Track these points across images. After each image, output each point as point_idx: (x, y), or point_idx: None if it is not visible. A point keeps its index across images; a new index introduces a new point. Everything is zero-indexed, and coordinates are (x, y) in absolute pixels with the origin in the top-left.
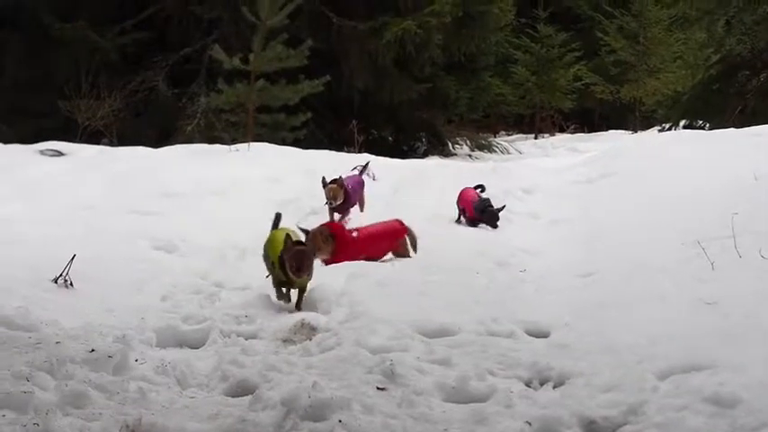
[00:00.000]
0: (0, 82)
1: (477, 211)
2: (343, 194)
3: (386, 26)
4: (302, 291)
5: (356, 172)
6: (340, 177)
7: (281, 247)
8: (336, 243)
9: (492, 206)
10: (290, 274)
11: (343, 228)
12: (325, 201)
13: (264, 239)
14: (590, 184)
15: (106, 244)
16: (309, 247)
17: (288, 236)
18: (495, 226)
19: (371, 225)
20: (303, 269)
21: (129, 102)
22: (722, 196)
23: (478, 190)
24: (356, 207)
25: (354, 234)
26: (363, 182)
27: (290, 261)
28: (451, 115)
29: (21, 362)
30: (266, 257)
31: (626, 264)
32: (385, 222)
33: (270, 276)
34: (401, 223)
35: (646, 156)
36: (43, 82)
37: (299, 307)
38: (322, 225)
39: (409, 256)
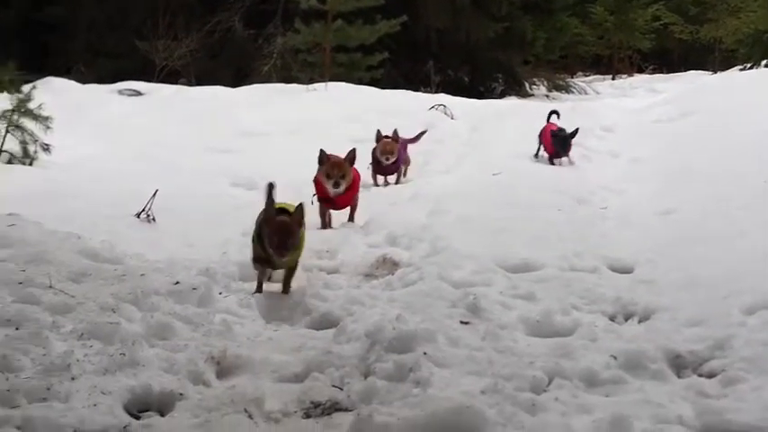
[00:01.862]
0: (78, 23)
1: (553, 141)
2: (398, 153)
3: None
4: (291, 270)
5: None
6: (395, 132)
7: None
8: (354, 177)
9: (564, 132)
10: (271, 252)
11: None
12: (380, 155)
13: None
14: (670, 123)
15: (186, 181)
16: (294, 218)
17: (270, 201)
18: (566, 152)
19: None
20: (287, 247)
21: (206, 42)
22: None
23: (553, 116)
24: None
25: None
26: (407, 146)
27: (270, 236)
28: (528, 56)
29: (107, 293)
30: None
31: (707, 201)
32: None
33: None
34: None
35: (727, 95)
36: (121, 22)
37: (286, 290)
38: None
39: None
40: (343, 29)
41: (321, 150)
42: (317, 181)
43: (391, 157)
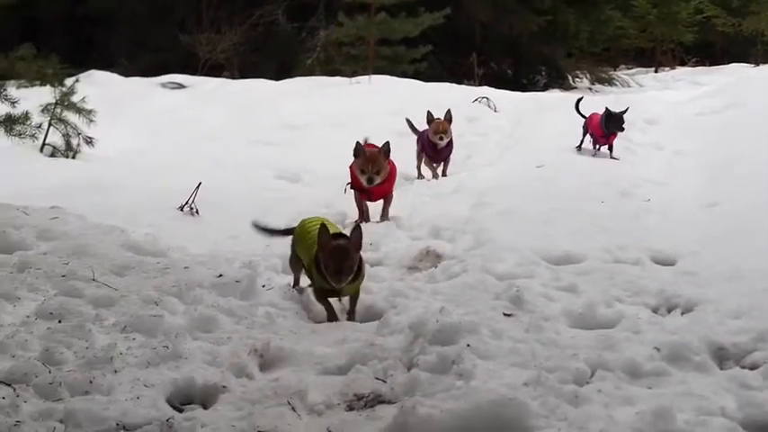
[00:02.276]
0: (121, 16)
1: (602, 123)
2: (450, 135)
3: None
4: (354, 297)
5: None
6: (448, 112)
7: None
8: (391, 167)
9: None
10: (329, 278)
11: None
12: (433, 136)
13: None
14: (714, 115)
15: (230, 173)
16: (352, 240)
17: (323, 226)
18: (620, 129)
19: None
20: (344, 271)
21: (250, 35)
22: None
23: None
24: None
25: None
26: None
27: (326, 261)
28: (571, 49)
29: (150, 286)
30: (294, 257)
31: (752, 193)
32: None
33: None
34: None
35: None
36: (164, 16)
37: (351, 317)
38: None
39: None
40: (386, 22)
41: (357, 143)
42: (352, 170)
43: (445, 136)
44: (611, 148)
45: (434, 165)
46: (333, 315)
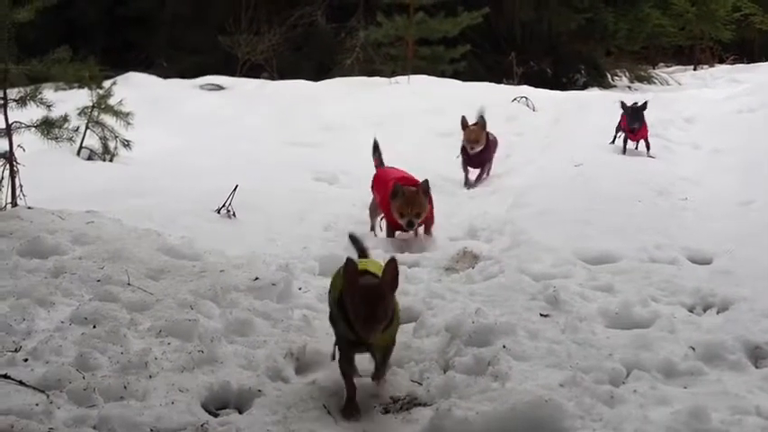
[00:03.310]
0: (160, 18)
1: (627, 116)
2: (485, 141)
3: None
4: (386, 353)
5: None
6: (482, 118)
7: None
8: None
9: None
10: (357, 326)
11: None
12: (465, 144)
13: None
14: (752, 113)
15: (268, 175)
16: (386, 279)
17: (349, 262)
18: (639, 124)
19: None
20: (377, 317)
21: (289, 36)
22: None
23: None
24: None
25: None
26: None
27: (354, 305)
28: (610, 47)
29: (185, 290)
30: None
31: None
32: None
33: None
34: None
35: None
36: (203, 17)
37: (379, 376)
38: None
39: None
40: (425, 21)
41: (396, 185)
42: (387, 208)
43: (476, 146)
44: (648, 146)
45: (471, 169)
46: (351, 397)
